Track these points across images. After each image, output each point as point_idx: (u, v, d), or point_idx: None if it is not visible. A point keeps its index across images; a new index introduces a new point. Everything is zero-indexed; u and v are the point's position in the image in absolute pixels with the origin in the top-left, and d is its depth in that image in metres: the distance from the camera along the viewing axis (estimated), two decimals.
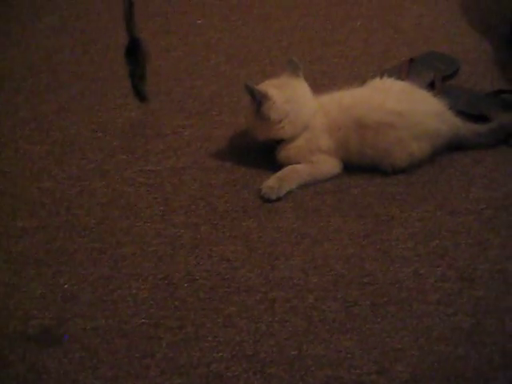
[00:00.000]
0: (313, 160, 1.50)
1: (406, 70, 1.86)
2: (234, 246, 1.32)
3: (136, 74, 0.99)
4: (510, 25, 2.10)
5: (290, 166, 1.49)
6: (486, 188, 1.47)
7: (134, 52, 0.97)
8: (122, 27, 1.05)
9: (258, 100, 1.45)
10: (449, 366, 1.08)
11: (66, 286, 1.24)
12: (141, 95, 1.03)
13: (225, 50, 2.03)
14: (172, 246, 1.32)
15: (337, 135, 1.49)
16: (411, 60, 1.92)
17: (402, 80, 1.78)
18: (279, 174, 1.46)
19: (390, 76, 1.80)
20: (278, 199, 1.43)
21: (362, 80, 1.67)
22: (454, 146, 1.56)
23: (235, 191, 1.46)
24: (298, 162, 1.50)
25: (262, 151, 1.57)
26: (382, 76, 1.78)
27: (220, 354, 1.10)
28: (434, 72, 1.85)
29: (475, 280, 1.24)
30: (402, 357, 1.10)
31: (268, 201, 1.43)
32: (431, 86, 1.79)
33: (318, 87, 1.65)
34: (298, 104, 1.50)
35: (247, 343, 1.12)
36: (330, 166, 1.51)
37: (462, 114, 1.68)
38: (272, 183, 1.43)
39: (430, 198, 1.46)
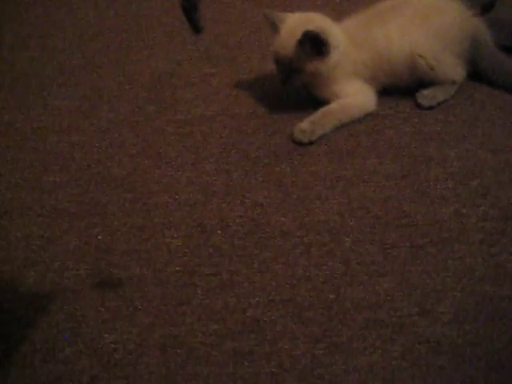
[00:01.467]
0: (347, 91, 1.46)
1: None
2: (267, 191, 1.29)
3: (189, 6, 0.98)
4: None
5: (322, 109, 1.44)
6: None
7: None
8: None
9: (324, 42, 1.40)
10: (493, 306, 1.04)
11: (99, 237, 1.23)
12: (196, 27, 1.03)
13: None
14: (204, 194, 1.29)
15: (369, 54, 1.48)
16: None
17: None
18: (312, 117, 1.42)
19: None
20: (311, 143, 1.39)
21: None
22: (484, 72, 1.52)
23: (267, 137, 1.42)
24: (334, 96, 1.47)
25: (292, 96, 1.52)
26: None
27: (256, 300, 1.08)
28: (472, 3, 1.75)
29: None
30: (443, 298, 1.06)
31: (300, 144, 1.39)
32: None
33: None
34: (338, 33, 1.48)
35: (283, 288, 1.10)
36: (363, 98, 1.48)
37: (505, 48, 1.59)
38: (304, 126, 1.39)
39: (470, 137, 1.40)
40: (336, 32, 1.46)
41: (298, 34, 1.39)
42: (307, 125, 1.39)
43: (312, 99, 1.50)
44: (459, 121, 1.44)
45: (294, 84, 1.47)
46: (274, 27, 1.47)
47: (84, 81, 1.67)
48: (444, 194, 1.26)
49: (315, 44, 1.40)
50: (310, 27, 1.39)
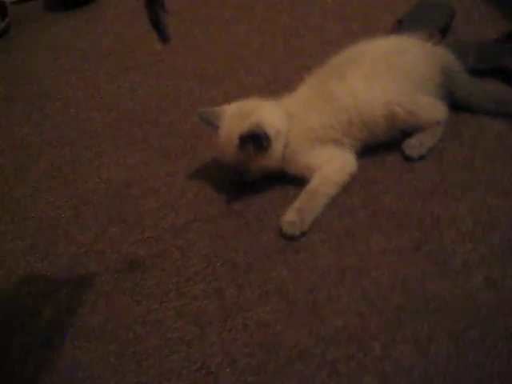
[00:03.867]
0: (319, 161, 1.31)
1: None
2: (268, 304, 1.11)
3: (156, 17, 1.07)
4: None
5: (304, 191, 1.28)
6: None
7: (153, 3, 1.06)
8: None
9: (263, 137, 1.27)
10: None
11: None
12: (164, 37, 1.11)
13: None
14: (199, 325, 1.11)
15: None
16: (399, 22, 1.70)
17: None
18: (297, 203, 1.25)
19: None
20: (304, 234, 1.22)
21: None
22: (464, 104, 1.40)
23: (252, 237, 1.25)
24: (306, 170, 1.31)
25: (263, 180, 1.36)
26: None
27: None
28: (428, 26, 1.63)
29: None
30: None
31: (293, 239, 1.21)
32: None
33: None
34: (278, 116, 1.35)
35: None
36: (339, 161, 1.32)
37: (475, 72, 1.47)
38: (292, 217, 1.22)
39: (473, 183, 1.25)
40: (275, 116, 1.33)
41: (235, 137, 1.26)
42: (294, 214, 1.23)
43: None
44: (456, 167, 1.29)
45: (250, 178, 1.33)
46: (213, 126, 1.34)
47: (32, 213, 1.48)
48: (467, 260, 1.10)
49: (255, 141, 1.27)
50: (245, 127, 1.26)
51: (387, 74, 1.33)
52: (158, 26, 1.08)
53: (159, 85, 1.77)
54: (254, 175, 1.33)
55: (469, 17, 1.71)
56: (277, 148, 1.30)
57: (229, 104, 1.37)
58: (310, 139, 1.32)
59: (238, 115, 1.32)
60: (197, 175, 1.43)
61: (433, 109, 1.34)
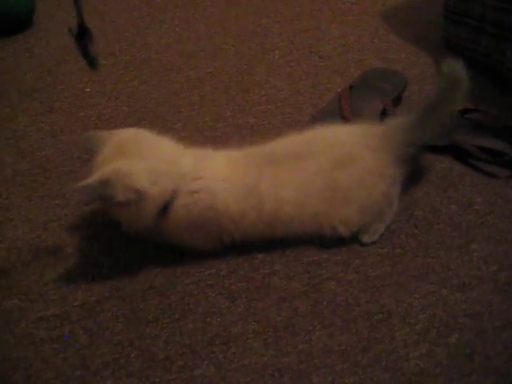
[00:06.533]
0: None
1: (347, 102, 1.53)
2: None
3: (86, 51, 1.11)
4: (442, 29, 1.84)
5: None
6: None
7: (84, 35, 1.10)
8: None
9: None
10: None
11: None
12: (94, 64, 1.13)
13: None
14: None
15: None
16: (350, 87, 1.60)
17: (345, 115, 1.46)
18: None
19: (329, 114, 1.50)
20: None
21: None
22: None
23: (175, 323, 1.06)
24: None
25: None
26: (316, 119, 1.47)
27: None
28: (381, 96, 1.54)
29: None
30: None
31: None
32: (383, 114, 1.48)
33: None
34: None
35: None
36: None
37: (428, 148, 1.38)
38: None
39: (430, 274, 1.12)
40: (148, 171, 1.07)
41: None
42: None
43: None
44: (408, 253, 1.17)
45: (130, 231, 1.15)
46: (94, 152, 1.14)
47: None
48: (421, 367, 0.96)
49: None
50: (96, 178, 1.04)
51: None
52: (86, 55, 1.12)
53: (84, 132, 1.58)
54: (129, 228, 1.12)
55: (421, 90, 1.63)
56: (142, 209, 1.06)
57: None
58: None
59: (115, 151, 1.10)
60: (116, 241, 1.23)
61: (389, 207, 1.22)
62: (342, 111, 1.51)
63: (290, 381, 0.96)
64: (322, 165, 1.14)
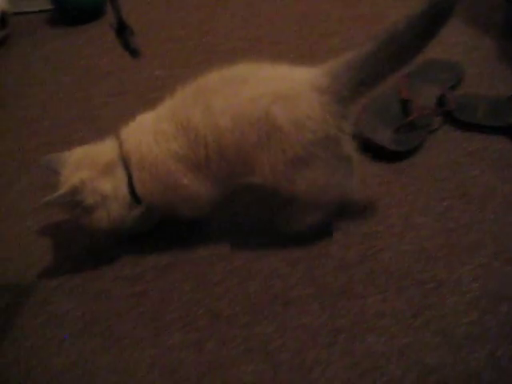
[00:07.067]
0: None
1: (406, 87, 1.58)
2: (252, 363, 1.01)
3: (127, 43, 1.23)
4: (504, 12, 1.85)
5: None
6: None
7: (123, 30, 1.20)
8: None
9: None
10: None
11: None
12: (135, 53, 1.24)
13: None
14: (173, 380, 1.01)
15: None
16: (408, 74, 1.64)
17: (403, 97, 1.51)
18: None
19: (387, 97, 1.55)
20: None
21: None
22: None
23: (238, 284, 1.15)
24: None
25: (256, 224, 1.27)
26: (374, 100, 1.52)
27: None
28: (438, 85, 1.57)
29: None
30: None
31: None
32: (440, 102, 1.52)
33: None
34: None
35: None
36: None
37: (484, 128, 1.42)
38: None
39: (482, 247, 1.17)
40: (106, 177, 1.13)
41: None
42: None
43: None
44: (462, 227, 1.22)
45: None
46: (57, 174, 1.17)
47: None
48: (470, 332, 1.01)
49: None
50: (61, 191, 1.10)
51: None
52: (127, 47, 1.24)
53: None
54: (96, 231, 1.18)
55: (481, 73, 1.65)
56: (103, 213, 1.13)
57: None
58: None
59: (77, 165, 1.14)
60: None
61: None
62: (399, 93, 1.55)
63: (345, 340, 1.03)
64: (260, 95, 1.04)
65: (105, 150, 1.15)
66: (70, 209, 1.13)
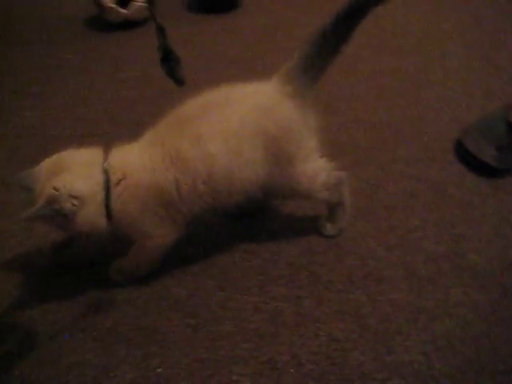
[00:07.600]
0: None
1: None
2: (342, 322, 1.18)
3: (172, 72, 1.19)
4: None
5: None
6: None
7: (169, 59, 1.18)
8: None
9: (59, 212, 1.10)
10: None
11: (158, 370, 1.12)
12: (179, 83, 1.19)
13: None
14: (273, 323, 1.19)
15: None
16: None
17: None
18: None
19: (495, 120, 1.65)
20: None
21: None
22: None
23: (338, 257, 1.32)
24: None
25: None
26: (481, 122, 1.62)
27: None
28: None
29: None
30: None
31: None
32: None
33: (415, 134, 1.55)
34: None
35: None
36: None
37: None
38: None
39: None
40: (84, 179, 1.12)
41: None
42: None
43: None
44: None
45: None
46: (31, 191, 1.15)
47: None
48: None
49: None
50: (48, 198, 1.08)
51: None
52: (170, 75, 1.19)
53: None
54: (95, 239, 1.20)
55: None
56: (84, 215, 1.12)
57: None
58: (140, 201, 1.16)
59: (48, 175, 1.13)
60: None
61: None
62: (510, 117, 1.65)
63: (426, 319, 1.18)
64: (246, 113, 1.15)
65: (86, 154, 1.16)
66: (52, 220, 1.12)
